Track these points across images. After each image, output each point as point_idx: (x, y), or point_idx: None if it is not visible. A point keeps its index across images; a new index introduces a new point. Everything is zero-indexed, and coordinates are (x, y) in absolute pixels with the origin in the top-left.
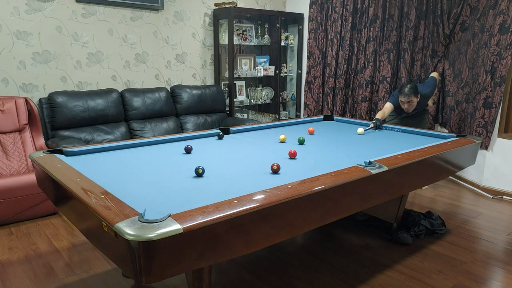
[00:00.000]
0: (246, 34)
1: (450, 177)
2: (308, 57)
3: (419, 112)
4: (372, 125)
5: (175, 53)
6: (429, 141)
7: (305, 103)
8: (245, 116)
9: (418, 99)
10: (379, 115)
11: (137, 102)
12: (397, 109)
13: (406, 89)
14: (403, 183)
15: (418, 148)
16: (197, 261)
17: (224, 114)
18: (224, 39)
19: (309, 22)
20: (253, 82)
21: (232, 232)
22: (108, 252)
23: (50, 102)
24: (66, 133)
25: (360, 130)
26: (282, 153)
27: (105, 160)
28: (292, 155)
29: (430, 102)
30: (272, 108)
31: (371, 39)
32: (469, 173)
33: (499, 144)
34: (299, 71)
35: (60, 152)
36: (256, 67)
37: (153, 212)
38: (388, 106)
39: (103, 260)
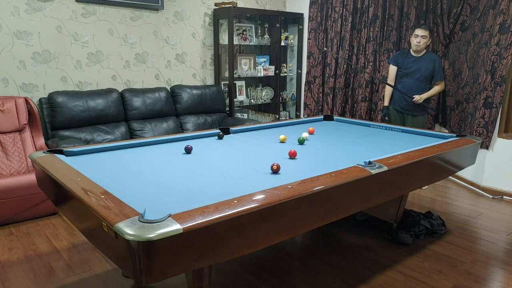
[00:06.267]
0: (246, 34)
1: (450, 177)
2: (308, 57)
3: (419, 109)
4: (386, 118)
5: (175, 53)
6: (429, 141)
7: (305, 103)
8: (245, 116)
9: (430, 41)
10: (386, 101)
11: (137, 102)
12: (399, 70)
13: (423, 24)
14: (403, 183)
15: (418, 148)
16: (197, 261)
17: (224, 114)
18: (224, 39)
19: (309, 22)
20: (253, 82)
21: (232, 232)
22: (108, 252)
23: (50, 102)
24: (66, 133)
25: (305, 135)
26: (282, 153)
27: (105, 160)
28: (292, 155)
29: (441, 85)
30: (272, 108)
31: (371, 39)
32: (469, 173)
33: (499, 144)
34: (299, 71)
35: (60, 152)
36: (256, 67)
37: (153, 212)
38: (391, 69)
39: (103, 260)
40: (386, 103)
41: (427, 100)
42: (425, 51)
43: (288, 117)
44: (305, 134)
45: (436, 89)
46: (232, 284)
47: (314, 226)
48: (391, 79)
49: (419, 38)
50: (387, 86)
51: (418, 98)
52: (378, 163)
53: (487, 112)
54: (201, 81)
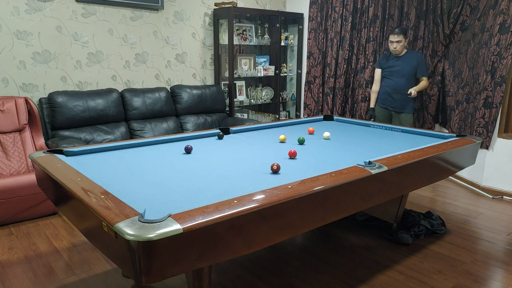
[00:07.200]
0: (246, 34)
1: (450, 177)
2: (308, 57)
3: (406, 107)
4: (372, 119)
5: (175, 53)
6: (429, 141)
7: (305, 103)
8: (245, 116)
9: (406, 42)
10: (375, 86)
11: (137, 102)
12: (384, 70)
13: (397, 29)
14: (403, 183)
15: (418, 148)
16: (197, 261)
17: (224, 114)
18: (224, 39)
19: (309, 22)
20: (253, 82)
21: (232, 232)
22: (108, 252)
23: (50, 102)
24: (66, 133)
25: (327, 134)
26: (282, 153)
27: (105, 160)
28: (292, 155)
29: (425, 82)
30: (272, 108)
31: (371, 39)
32: (469, 173)
33: (499, 144)
34: (299, 71)
35: (60, 152)
36: (256, 67)
37: (153, 212)
38: (376, 72)
39: (103, 260)
40: (372, 104)
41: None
42: (405, 50)
43: (288, 117)
44: (326, 134)
45: (423, 83)
46: (232, 284)
47: (314, 226)
48: (377, 81)
49: (394, 44)
50: (372, 88)
51: (414, 92)
52: (378, 163)
53: (487, 112)
54: (201, 81)
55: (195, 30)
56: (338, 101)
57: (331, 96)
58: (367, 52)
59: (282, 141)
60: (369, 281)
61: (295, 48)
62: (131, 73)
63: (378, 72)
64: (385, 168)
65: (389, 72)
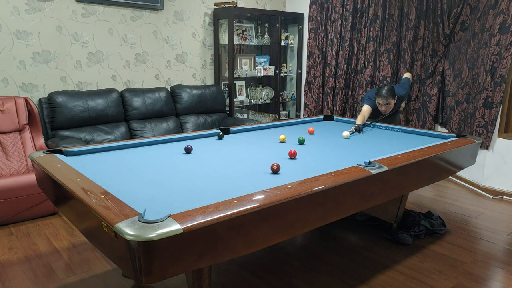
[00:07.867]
0: (246, 34)
1: (450, 177)
2: (308, 57)
3: (392, 113)
4: (353, 128)
5: (175, 53)
6: (429, 141)
7: (305, 103)
8: (245, 116)
9: (396, 101)
10: (359, 120)
11: (137, 102)
12: (374, 111)
13: (384, 91)
14: (403, 183)
15: (418, 148)
16: (197, 261)
17: (224, 114)
18: (224, 39)
19: (309, 22)
20: (253, 82)
21: (232, 232)
22: (108, 252)
23: (50, 102)
24: (66, 133)
25: (346, 133)
26: (282, 153)
27: (105, 160)
28: (292, 155)
29: (402, 104)
30: (272, 108)
31: (371, 39)
32: (469, 173)
33: (499, 144)
34: (299, 71)
35: (60, 152)
36: (256, 67)
37: (153, 212)
38: (366, 109)
39: (103, 260)
40: (359, 122)
41: (399, 100)
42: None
43: (288, 117)
44: (345, 133)
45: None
46: (232, 284)
47: (314, 226)
48: (365, 117)
49: (383, 107)
50: (364, 109)
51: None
52: (378, 163)
53: (487, 112)
54: (201, 81)
55: (195, 30)
56: (338, 101)
57: (331, 96)
58: (367, 52)
59: (282, 141)
60: (369, 281)
61: (295, 48)
62: (131, 73)
63: (368, 109)
64: (385, 168)
65: (381, 115)
